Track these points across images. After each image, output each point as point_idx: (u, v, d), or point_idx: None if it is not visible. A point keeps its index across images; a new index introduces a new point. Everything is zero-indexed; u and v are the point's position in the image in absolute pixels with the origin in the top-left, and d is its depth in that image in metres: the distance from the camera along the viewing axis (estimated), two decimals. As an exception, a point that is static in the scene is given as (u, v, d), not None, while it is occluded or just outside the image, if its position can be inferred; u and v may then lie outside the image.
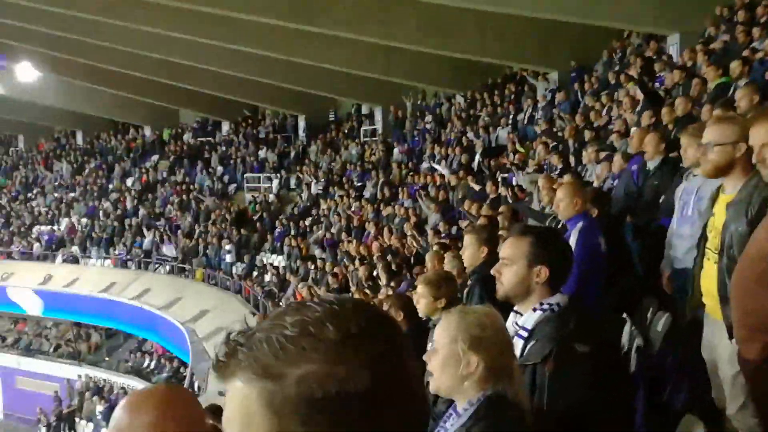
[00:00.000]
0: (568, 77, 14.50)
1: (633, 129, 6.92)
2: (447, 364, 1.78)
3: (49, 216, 23.82)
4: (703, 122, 4.54)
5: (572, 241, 3.85)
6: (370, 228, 14.06)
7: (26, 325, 21.37)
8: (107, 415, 16.62)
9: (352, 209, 16.05)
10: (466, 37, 14.83)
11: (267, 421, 0.69)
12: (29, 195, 25.84)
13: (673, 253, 3.80)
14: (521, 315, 2.22)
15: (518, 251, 2.22)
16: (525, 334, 2.15)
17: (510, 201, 8.38)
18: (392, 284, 8.07)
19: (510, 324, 2.25)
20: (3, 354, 20.63)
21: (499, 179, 10.79)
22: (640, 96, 8.16)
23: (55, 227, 23.02)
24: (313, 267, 14.65)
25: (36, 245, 22.26)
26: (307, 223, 17.59)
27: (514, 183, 10.04)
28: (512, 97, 15.91)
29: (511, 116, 14.86)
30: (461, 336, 1.76)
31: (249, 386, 0.70)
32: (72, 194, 24.51)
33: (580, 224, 3.88)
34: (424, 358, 1.81)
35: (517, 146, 11.73)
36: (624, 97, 8.80)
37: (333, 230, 15.89)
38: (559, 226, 5.53)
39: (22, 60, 21.81)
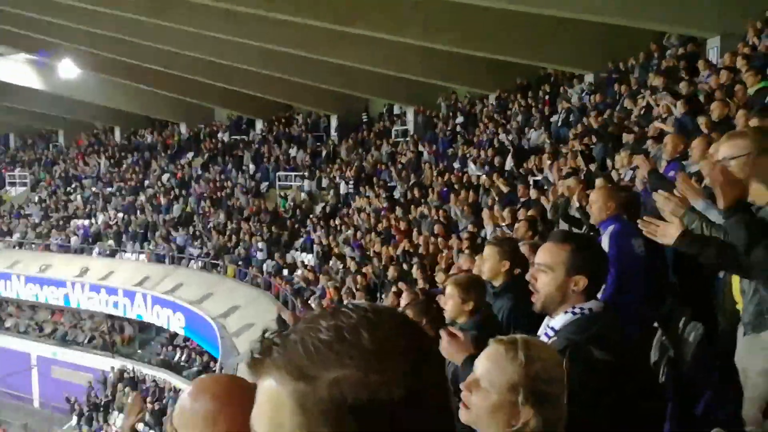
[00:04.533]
0: (603, 79, 14.28)
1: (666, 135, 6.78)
2: (497, 411, 1.58)
3: (86, 210, 24.39)
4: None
5: (604, 245, 3.81)
6: (399, 228, 14.05)
7: (63, 316, 21.91)
8: (138, 406, 16.95)
9: (382, 209, 16.08)
10: (500, 38, 14.72)
11: (296, 420, 0.71)
12: (68, 189, 26.48)
13: None
14: (552, 318, 2.22)
15: (557, 258, 2.17)
16: (552, 333, 2.15)
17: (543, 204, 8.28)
18: (420, 287, 8.05)
19: (543, 327, 2.26)
20: (40, 344, 21.22)
21: (531, 182, 10.68)
22: (677, 100, 7.99)
23: (92, 221, 23.56)
24: (342, 266, 14.72)
25: (73, 238, 22.82)
26: (337, 222, 17.68)
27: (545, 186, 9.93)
28: (546, 98, 15.75)
29: (544, 118, 14.71)
30: (524, 389, 1.55)
31: (282, 385, 0.72)
32: (109, 189, 25.06)
33: (611, 227, 3.84)
34: (463, 386, 1.65)
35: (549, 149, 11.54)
36: (660, 102, 8.62)
37: (362, 230, 15.94)
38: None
39: (64, 57, 22.32)
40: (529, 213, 8.28)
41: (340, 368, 0.70)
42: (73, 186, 26.54)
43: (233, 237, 19.23)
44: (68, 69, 23.04)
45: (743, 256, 2.49)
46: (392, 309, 0.80)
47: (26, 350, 21.37)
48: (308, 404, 0.70)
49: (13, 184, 28.60)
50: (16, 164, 29.78)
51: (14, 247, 23.98)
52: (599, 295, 2.32)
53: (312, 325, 0.74)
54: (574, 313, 2.14)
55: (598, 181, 6.08)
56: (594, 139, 10.12)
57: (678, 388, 3.38)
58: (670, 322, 3.99)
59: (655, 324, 3.97)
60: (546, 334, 2.17)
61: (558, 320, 2.16)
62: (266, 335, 0.76)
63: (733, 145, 2.73)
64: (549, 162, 10.37)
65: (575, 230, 6.21)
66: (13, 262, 22.55)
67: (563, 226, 6.61)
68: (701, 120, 6.65)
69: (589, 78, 14.92)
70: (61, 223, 24.02)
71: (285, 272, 17.09)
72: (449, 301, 3.36)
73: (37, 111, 28.08)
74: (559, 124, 13.76)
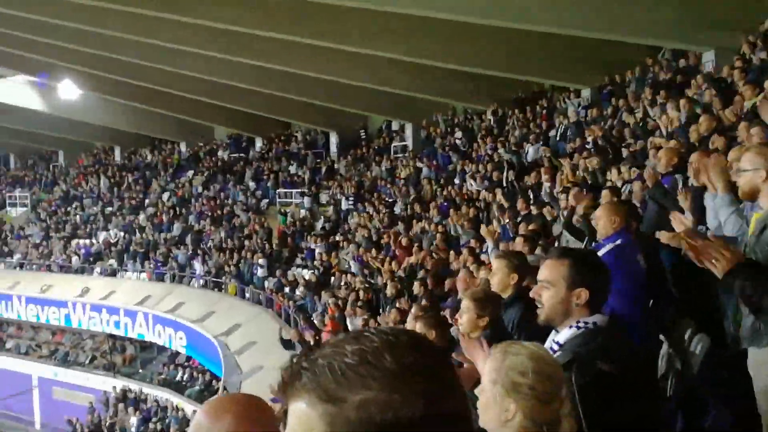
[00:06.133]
0: (599, 94, 14.42)
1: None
2: (488, 407, 1.71)
3: (87, 230, 24.39)
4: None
5: (606, 259, 3.85)
6: (400, 244, 14.08)
7: (63, 336, 21.84)
8: (141, 427, 16.87)
9: (382, 225, 16.13)
10: (496, 53, 14.88)
11: None
12: (68, 209, 26.50)
13: None
14: (558, 332, 2.26)
15: (557, 274, 2.23)
16: (557, 347, 2.20)
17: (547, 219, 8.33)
18: (425, 301, 8.09)
19: (548, 342, 2.30)
20: (41, 364, 21.11)
21: (531, 196, 10.73)
22: (674, 114, 8.09)
23: (93, 241, 23.56)
24: (343, 282, 14.73)
25: (74, 258, 22.80)
26: (337, 238, 17.71)
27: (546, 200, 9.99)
28: (543, 112, 15.88)
29: (542, 132, 14.82)
30: (500, 380, 1.68)
31: (312, 408, 0.77)
32: (110, 209, 25.08)
33: (617, 241, 3.87)
34: (476, 392, 1.78)
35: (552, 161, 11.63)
36: (660, 115, 8.72)
37: (363, 246, 15.96)
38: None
39: (64, 78, 22.47)
40: (530, 227, 8.34)
41: (366, 390, 0.75)
42: (73, 206, 26.57)
43: (234, 254, 19.25)
44: (68, 90, 23.18)
45: None
46: (411, 331, 0.87)
47: (27, 371, 21.25)
48: (338, 425, 0.75)
49: (13, 204, 28.61)
50: (17, 185, 29.83)
51: (15, 267, 23.95)
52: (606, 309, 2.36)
53: (337, 349, 0.79)
54: (578, 327, 2.18)
55: (604, 194, 6.14)
56: (593, 153, 10.19)
57: (685, 400, 3.42)
58: (673, 334, 4.03)
59: (661, 336, 4.01)
60: (551, 348, 2.21)
61: (563, 334, 2.21)
62: (295, 359, 0.81)
63: (748, 158, 2.87)
64: (547, 176, 10.47)
65: (578, 242, 6.27)
66: (14, 283, 22.51)
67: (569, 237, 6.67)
68: (691, 131, 6.76)
69: (585, 92, 15.06)
70: (62, 243, 24.01)
71: (286, 290, 17.09)
72: (464, 316, 3.37)
73: (37, 131, 28.19)
74: (557, 138, 13.87)
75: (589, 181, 8.73)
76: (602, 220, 3.98)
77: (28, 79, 24.85)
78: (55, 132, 28.27)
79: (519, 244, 6.56)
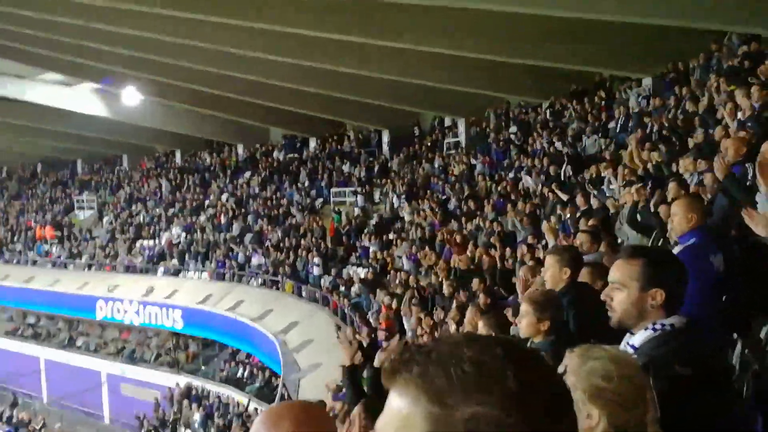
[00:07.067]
0: (661, 83, 13.90)
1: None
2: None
3: (150, 231, 25.23)
4: None
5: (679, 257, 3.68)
6: (454, 242, 13.95)
7: (130, 335, 22.66)
8: (204, 422, 17.33)
9: (436, 222, 16.02)
10: (552, 44, 14.53)
11: None
12: (132, 211, 27.48)
13: None
14: (633, 335, 2.16)
15: (629, 274, 2.13)
16: (632, 351, 2.10)
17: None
18: (483, 299, 7.97)
19: (623, 345, 2.20)
20: (110, 362, 21.98)
21: (591, 191, 10.44)
22: (744, 102, 7.69)
23: (156, 242, 24.34)
24: (397, 280, 14.72)
25: (139, 259, 23.61)
26: (391, 236, 17.71)
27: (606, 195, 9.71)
28: (602, 104, 15.43)
29: (601, 124, 14.40)
30: (580, 385, 1.57)
31: (416, 404, 0.73)
32: (172, 210, 25.86)
33: (692, 240, 3.68)
34: None
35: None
36: (727, 103, 8.31)
37: (416, 243, 15.91)
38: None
39: (128, 85, 23.29)
40: (590, 223, 8.10)
41: (479, 405, 0.71)
42: (137, 208, 27.52)
43: (290, 253, 19.52)
44: (131, 96, 24.00)
45: None
46: (532, 349, 0.81)
47: (97, 368, 22.17)
48: (442, 430, 0.71)
49: (81, 208, 29.88)
50: (84, 189, 31.15)
51: (84, 269, 25.01)
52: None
53: (455, 351, 0.75)
54: (654, 330, 2.09)
55: (672, 186, 5.89)
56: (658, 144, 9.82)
57: (765, 401, 3.24)
58: (748, 334, 3.83)
59: (735, 336, 3.82)
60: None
61: (638, 337, 2.12)
62: (408, 346, 0.78)
63: None
64: (609, 169, 10.15)
65: (644, 238, 6.04)
66: (83, 284, 23.51)
67: (630, 233, 6.44)
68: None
69: (646, 81, 14.55)
70: (127, 244, 24.89)
71: (342, 288, 17.21)
72: (523, 320, 3.25)
73: (102, 137, 29.37)
74: (618, 130, 13.46)
75: (653, 174, 8.41)
76: (678, 217, 3.74)
77: (93, 86, 25.87)
78: (119, 137, 29.36)
79: (585, 240, 6.36)
